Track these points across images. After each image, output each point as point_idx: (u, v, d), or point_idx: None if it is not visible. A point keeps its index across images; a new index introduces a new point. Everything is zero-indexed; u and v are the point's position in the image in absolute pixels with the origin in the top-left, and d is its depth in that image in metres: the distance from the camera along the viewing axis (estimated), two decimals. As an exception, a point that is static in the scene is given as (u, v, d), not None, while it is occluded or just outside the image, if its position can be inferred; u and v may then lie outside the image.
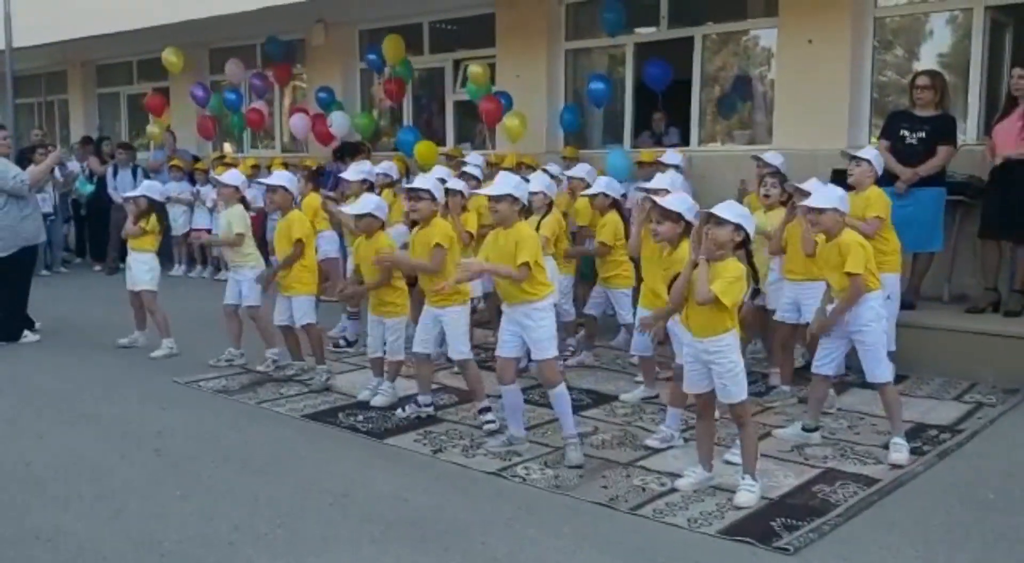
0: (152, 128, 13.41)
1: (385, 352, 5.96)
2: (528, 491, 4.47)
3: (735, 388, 4.21)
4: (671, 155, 8.18)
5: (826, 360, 5.00)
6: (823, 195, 4.89)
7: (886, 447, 4.86)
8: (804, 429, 5.12)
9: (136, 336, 7.62)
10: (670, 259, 4.68)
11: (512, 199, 4.85)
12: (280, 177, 6.66)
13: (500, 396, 5.09)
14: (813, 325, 5.06)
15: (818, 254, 5.08)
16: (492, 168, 8.80)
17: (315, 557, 3.76)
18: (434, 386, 5.92)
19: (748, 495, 4.22)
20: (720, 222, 4.12)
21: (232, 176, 7.26)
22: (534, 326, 4.81)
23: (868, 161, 5.88)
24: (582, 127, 10.33)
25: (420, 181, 5.71)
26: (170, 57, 13.39)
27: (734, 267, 4.14)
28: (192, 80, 14.14)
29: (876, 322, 4.83)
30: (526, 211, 6.20)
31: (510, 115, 10.00)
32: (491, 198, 4.89)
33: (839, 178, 6.24)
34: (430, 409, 5.70)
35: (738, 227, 4.14)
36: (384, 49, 11.32)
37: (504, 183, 4.94)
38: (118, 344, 7.57)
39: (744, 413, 4.27)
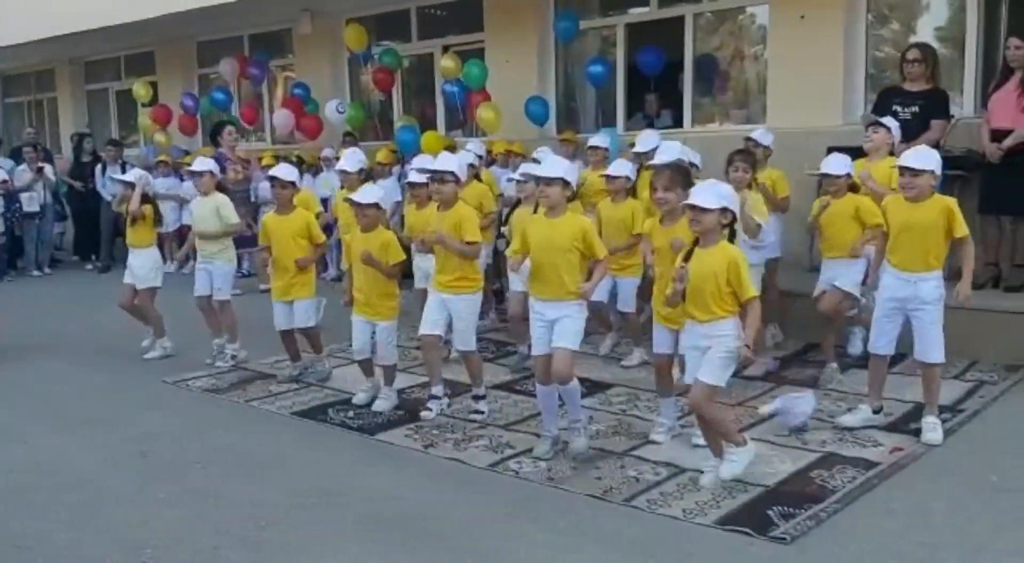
0: (159, 137, 13.40)
1: (374, 355, 5.69)
2: (521, 485, 4.38)
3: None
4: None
5: (883, 340, 4.88)
6: (920, 157, 4.73)
7: (886, 429, 4.78)
8: (874, 412, 4.98)
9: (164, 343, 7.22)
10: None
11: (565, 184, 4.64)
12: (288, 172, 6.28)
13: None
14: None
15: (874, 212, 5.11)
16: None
17: (304, 558, 3.67)
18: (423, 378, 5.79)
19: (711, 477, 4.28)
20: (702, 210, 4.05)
21: (203, 163, 7.04)
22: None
23: (888, 129, 5.90)
24: (549, 116, 10.06)
25: (444, 162, 5.39)
26: (139, 89, 13.83)
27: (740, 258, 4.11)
28: (181, 75, 14.02)
29: (938, 302, 4.74)
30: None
31: (484, 107, 9.77)
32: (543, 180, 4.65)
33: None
34: (447, 399, 5.56)
35: (724, 210, 4.10)
36: (346, 38, 11.16)
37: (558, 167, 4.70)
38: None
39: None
